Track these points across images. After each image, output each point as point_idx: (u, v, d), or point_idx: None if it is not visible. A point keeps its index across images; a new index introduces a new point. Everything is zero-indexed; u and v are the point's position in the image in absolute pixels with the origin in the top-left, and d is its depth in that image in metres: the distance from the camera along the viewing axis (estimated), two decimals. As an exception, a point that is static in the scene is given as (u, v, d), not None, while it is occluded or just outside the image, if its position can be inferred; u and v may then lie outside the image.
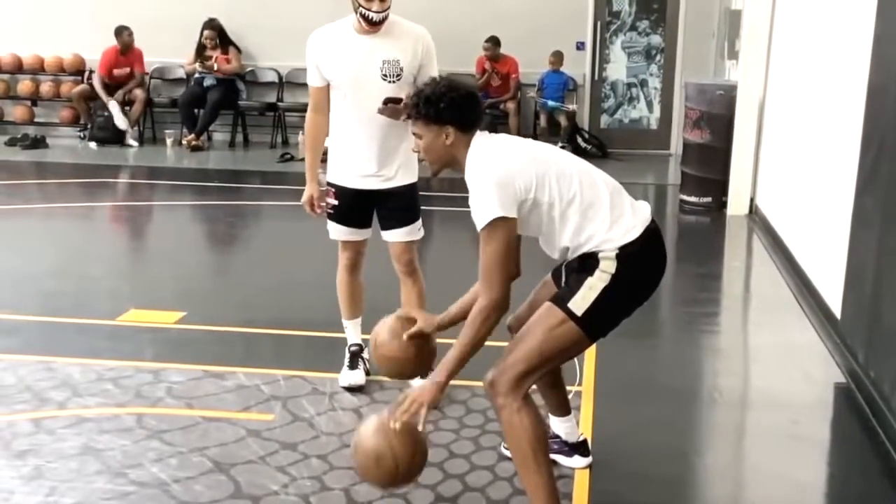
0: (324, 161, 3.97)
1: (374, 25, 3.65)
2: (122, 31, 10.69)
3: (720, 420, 4.08)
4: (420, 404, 2.77)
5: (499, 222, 2.71)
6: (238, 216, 7.92)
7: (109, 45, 10.73)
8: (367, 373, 4.03)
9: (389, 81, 3.69)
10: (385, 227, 3.94)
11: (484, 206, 2.72)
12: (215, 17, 10.75)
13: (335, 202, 3.90)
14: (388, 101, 3.69)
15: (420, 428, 2.78)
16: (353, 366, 4.03)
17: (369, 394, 3.97)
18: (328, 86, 3.80)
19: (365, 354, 4.02)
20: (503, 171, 2.77)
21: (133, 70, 10.90)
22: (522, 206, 2.77)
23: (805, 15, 6.22)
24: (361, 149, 3.79)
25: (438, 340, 3.18)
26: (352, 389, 3.96)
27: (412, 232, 3.93)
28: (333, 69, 3.74)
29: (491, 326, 2.77)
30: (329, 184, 3.92)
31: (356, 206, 3.88)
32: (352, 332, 4.10)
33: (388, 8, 3.64)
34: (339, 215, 3.91)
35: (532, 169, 2.79)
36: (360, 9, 3.62)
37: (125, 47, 10.79)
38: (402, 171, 3.84)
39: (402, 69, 3.70)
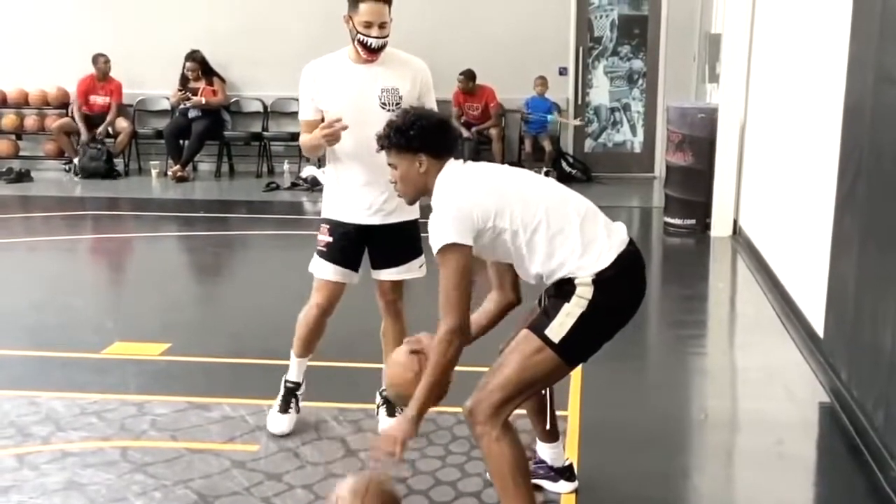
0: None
1: (373, 53, 3.57)
2: (97, 58, 10.81)
3: (707, 441, 4.09)
4: (394, 440, 2.78)
5: (452, 248, 2.73)
6: (224, 246, 7.92)
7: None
8: (298, 411, 3.91)
9: (388, 110, 3.55)
10: (377, 265, 3.81)
11: (439, 232, 2.75)
12: (197, 49, 10.79)
13: (328, 239, 3.75)
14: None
15: (398, 460, 2.79)
16: (284, 408, 3.88)
17: (356, 422, 3.96)
18: (322, 120, 3.64)
19: (300, 392, 3.93)
20: (461, 200, 2.80)
21: (112, 102, 10.95)
22: (482, 235, 2.79)
23: (783, 38, 6.30)
24: (360, 182, 3.66)
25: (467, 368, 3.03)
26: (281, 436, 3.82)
27: (409, 270, 3.80)
28: (331, 100, 3.63)
29: (454, 353, 2.77)
30: (324, 220, 3.80)
31: (351, 245, 3.73)
32: (295, 367, 3.92)
33: (388, 35, 3.57)
34: (331, 253, 3.74)
35: (491, 200, 2.80)
36: (360, 36, 3.53)
37: (102, 74, 10.88)
38: (404, 206, 3.64)
39: (401, 97, 3.61)
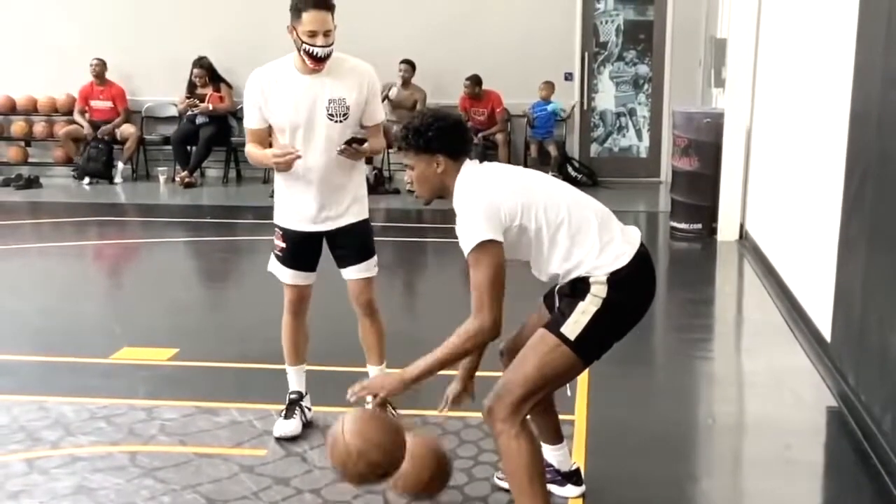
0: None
1: (319, 62, 3.53)
2: (91, 62, 10.87)
3: (714, 446, 4.09)
4: (380, 387, 2.89)
5: (485, 246, 2.75)
6: (231, 251, 7.94)
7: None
8: (305, 422, 3.93)
9: (336, 121, 3.59)
10: (341, 264, 3.85)
11: (470, 231, 2.77)
12: (204, 56, 10.82)
13: (283, 244, 3.80)
14: (351, 141, 3.60)
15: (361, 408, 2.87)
16: (288, 415, 3.90)
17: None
18: (269, 128, 3.66)
19: (304, 402, 3.96)
20: (489, 198, 2.82)
21: (116, 106, 10.99)
22: (509, 233, 2.82)
23: (789, 43, 6.30)
24: (309, 191, 3.68)
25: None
26: (286, 439, 3.83)
27: (369, 268, 3.84)
28: (277, 112, 3.63)
29: (476, 346, 2.83)
30: (276, 226, 3.83)
31: (305, 249, 3.79)
32: (293, 378, 3.98)
33: (332, 43, 3.53)
34: (287, 258, 3.81)
35: (518, 197, 2.84)
36: (304, 45, 3.49)
37: (97, 77, 10.94)
38: (353, 209, 3.77)
39: (348, 108, 3.61)
